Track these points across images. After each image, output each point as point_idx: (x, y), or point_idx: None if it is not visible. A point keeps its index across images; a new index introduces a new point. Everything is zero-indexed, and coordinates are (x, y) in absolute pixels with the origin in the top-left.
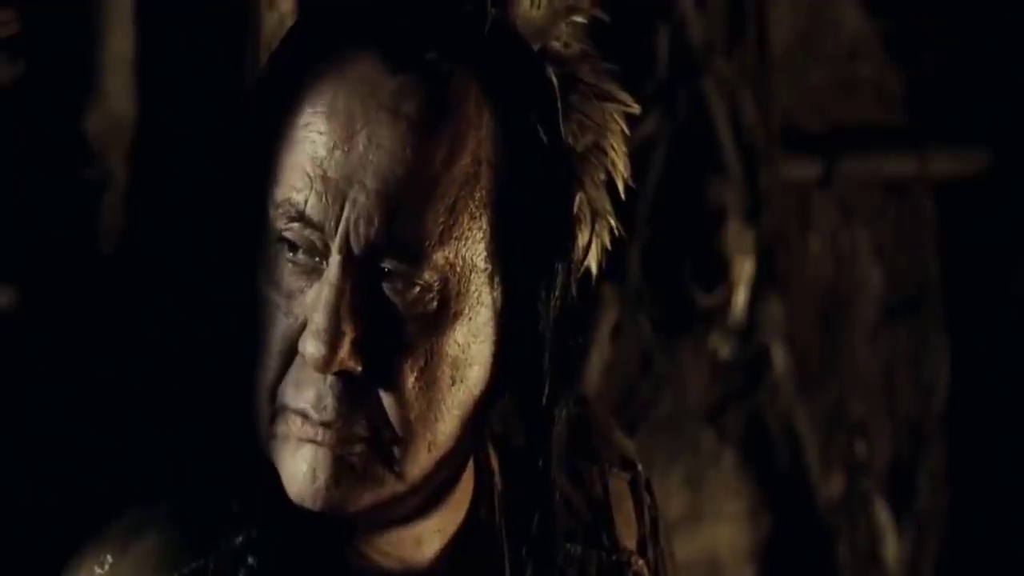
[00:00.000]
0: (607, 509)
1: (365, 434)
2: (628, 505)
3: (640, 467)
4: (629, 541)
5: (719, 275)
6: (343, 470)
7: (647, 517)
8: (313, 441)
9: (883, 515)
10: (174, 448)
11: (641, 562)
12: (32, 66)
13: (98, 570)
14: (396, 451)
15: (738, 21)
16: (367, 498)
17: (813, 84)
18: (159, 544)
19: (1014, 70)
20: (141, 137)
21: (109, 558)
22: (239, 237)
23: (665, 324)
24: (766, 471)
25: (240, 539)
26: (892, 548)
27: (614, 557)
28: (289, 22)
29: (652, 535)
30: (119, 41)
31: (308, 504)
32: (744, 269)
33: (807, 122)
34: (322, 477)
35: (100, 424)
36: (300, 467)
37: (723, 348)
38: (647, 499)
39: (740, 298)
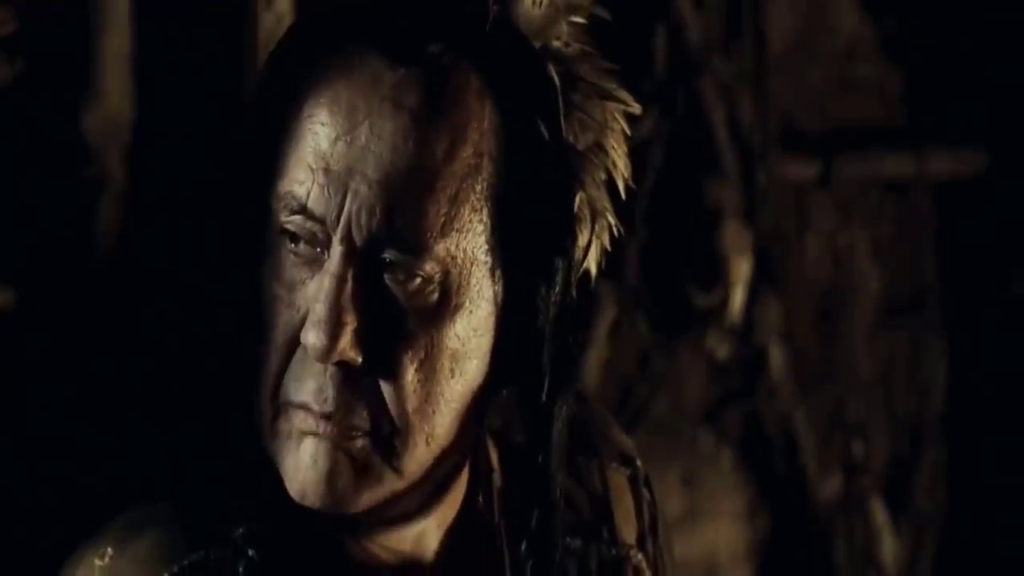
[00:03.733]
0: (607, 504)
1: (365, 426)
2: (627, 500)
3: (639, 463)
4: (629, 536)
5: (717, 275)
6: (343, 462)
7: (646, 512)
8: (314, 433)
9: (880, 515)
10: (174, 445)
11: (640, 556)
12: (30, 65)
13: (98, 562)
14: (395, 444)
15: (736, 21)
16: (367, 497)
17: (811, 84)
18: (159, 539)
19: (1012, 70)
20: (138, 136)
21: (109, 551)
22: (240, 230)
23: (663, 324)
24: (764, 471)
25: (240, 531)
26: (889, 548)
27: (614, 551)
28: (287, 21)
29: (651, 530)
30: (117, 41)
31: (309, 499)
32: (742, 269)
33: (805, 122)
34: (323, 470)
35: (99, 422)
36: (302, 459)
37: (721, 348)
38: (646, 494)
39: (738, 298)
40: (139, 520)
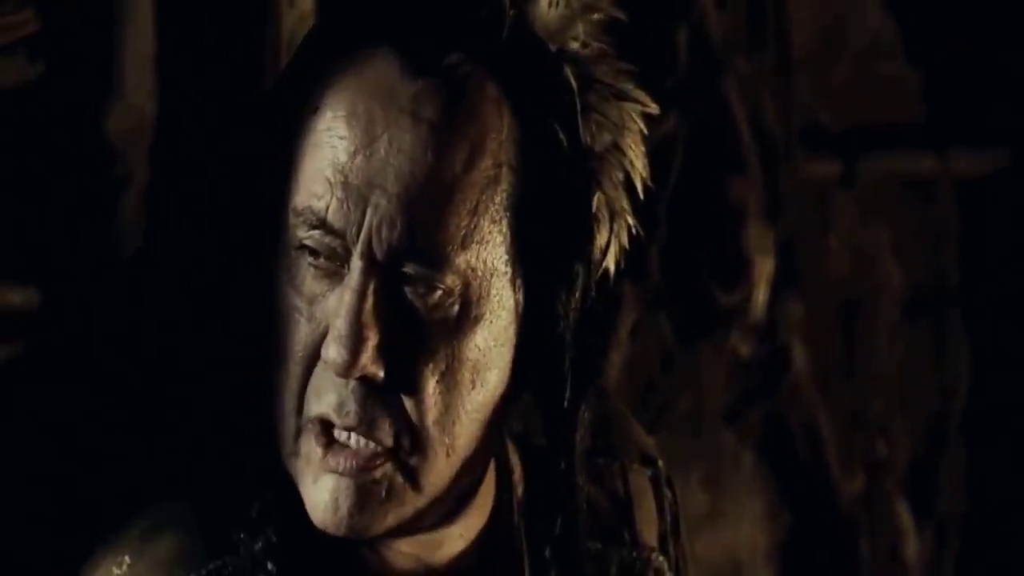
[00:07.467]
0: (628, 506)
1: (387, 441)
2: (649, 501)
3: (661, 462)
4: (650, 537)
5: (739, 274)
6: (365, 499)
7: (668, 513)
8: (335, 472)
9: (904, 514)
10: (193, 451)
11: (662, 559)
12: (52, 65)
13: (116, 571)
14: (416, 461)
15: (758, 19)
16: (391, 519)
17: (834, 83)
18: (177, 546)
19: None
20: (161, 136)
21: (127, 559)
22: (260, 240)
23: (685, 323)
24: (786, 470)
25: (260, 544)
26: (913, 547)
27: (635, 554)
28: (310, 20)
29: (673, 530)
30: (139, 40)
31: (331, 531)
32: (764, 268)
33: (827, 121)
34: (344, 507)
35: (118, 426)
36: (322, 496)
37: (743, 347)
38: (668, 495)
39: (760, 297)
40: (157, 525)
